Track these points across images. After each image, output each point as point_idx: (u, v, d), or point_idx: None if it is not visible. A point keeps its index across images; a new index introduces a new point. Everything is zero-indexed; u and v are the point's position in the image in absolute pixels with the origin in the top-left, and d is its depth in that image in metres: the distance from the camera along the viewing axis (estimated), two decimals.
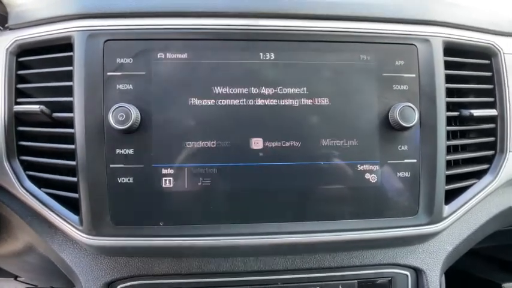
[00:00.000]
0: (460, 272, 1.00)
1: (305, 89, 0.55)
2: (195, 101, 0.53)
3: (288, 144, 0.54)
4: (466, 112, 0.61)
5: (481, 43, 0.63)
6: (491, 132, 0.64)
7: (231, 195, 0.54)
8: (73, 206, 0.56)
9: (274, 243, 0.55)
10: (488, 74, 0.64)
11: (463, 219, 0.64)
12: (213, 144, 0.54)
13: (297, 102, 0.55)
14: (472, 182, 0.62)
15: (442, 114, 0.58)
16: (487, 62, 0.64)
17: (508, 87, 0.63)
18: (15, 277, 1.12)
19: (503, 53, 0.64)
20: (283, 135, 0.54)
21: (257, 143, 0.54)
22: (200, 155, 0.53)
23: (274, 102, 0.54)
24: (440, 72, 0.58)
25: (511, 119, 0.63)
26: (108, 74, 0.53)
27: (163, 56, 0.54)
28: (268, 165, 0.54)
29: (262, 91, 0.54)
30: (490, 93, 0.64)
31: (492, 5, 0.69)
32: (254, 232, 0.55)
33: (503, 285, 1.01)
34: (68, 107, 0.54)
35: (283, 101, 0.55)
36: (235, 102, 0.54)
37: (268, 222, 0.55)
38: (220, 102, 0.54)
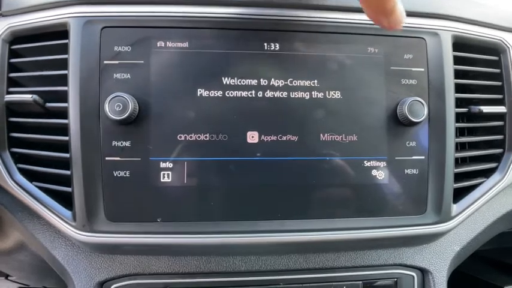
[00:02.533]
0: (461, 274, 0.99)
1: (310, 82, 0.53)
2: (195, 92, 0.51)
3: (292, 138, 0.52)
4: (475, 109, 0.60)
5: (490, 39, 0.62)
6: (499, 130, 0.63)
7: (232, 192, 0.52)
8: (66, 200, 0.53)
9: (276, 241, 0.53)
10: (497, 70, 0.63)
11: (471, 219, 0.63)
12: (215, 137, 0.51)
13: (301, 95, 0.53)
14: (481, 180, 0.61)
15: (451, 109, 0.56)
16: (495, 58, 0.63)
17: None
18: (6, 276, 1.10)
19: None
20: (285, 129, 0.52)
21: (263, 136, 0.52)
22: (201, 148, 0.51)
23: (280, 94, 0.52)
24: (449, 67, 0.56)
25: None
26: (105, 62, 0.50)
27: (163, 45, 0.51)
28: (271, 160, 0.52)
29: (264, 83, 0.52)
30: (498, 90, 0.63)
31: (501, 0, 0.68)
32: (255, 230, 0.52)
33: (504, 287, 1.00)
34: (62, 97, 0.52)
35: (290, 93, 0.52)
36: (240, 93, 0.52)
37: (271, 219, 0.53)
38: (223, 93, 0.51)
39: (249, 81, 0.52)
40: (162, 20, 0.52)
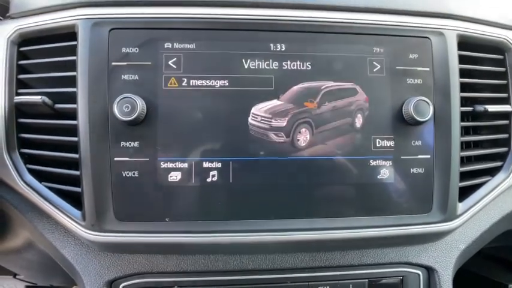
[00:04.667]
0: (466, 272, 0.99)
1: (316, 82, 0.53)
2: (203, 93, 0.52)
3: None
4: (480, 107, 0.60)
5: (495, 37, 0.62)
6: (504, 129, 0.63)
7: (239, 191, 0.52)
8: (75, 200, 0.54)
9: (283, 240, 0.53)
10: (502, 69, 0.63)
11: (476, 217, 0.63)
12: (221, 137, 0.52)
13: None
14: (486, 179, 0.61)
15: (456, 109, 0.56)
16: (500, 57, 0.63)
17: None
18: (14, 275, 1.11)
19: None
20: None
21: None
22: (208, 148, 0.52)
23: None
24: (454, 66, 0.57)
25: None
26: (113, 63, 0.51)
27: (170, 46, 0.52)
28: (278, 159, 0.53)
29: (269, 83, 0.53)
30: (503, 88, 0.63)
31: None
32: (263, 229, 0.53)
33: (510, 285, 1.00)
34: (71, 98, 0.52)
35: None
36: (245, 94, 0.52)
37: (278, 218, 0.53)
38: (229, 93, 0.52)
39: (255, 81, 0.52)
40: (169, 21, 0.52)
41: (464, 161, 0.61)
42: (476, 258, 0.77)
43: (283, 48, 0.53)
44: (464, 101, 0.62)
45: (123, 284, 0.59)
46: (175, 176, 0.51)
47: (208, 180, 0.52)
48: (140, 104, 0.49)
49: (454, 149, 0.56)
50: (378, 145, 0.54)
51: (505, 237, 0.77)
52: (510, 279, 1.03)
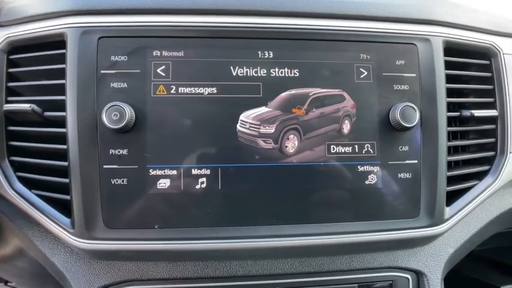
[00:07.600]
0: (458, 274, 0.99)
1: (304, 89, 0.54)
2: (192, 100, 0.52)
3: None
4: (466, 112, 0.61)
5: (481, 43, 0.63)
6: (491, 133, 0.64)
7: (228, 197, 0.53)
8: (65, 208, 0.54)
9: (273, 246, 0.54)
10: (488, 74, 0.64)
11: (464, 221, 0.63)
12: (210, 144, 0.52)
13: None
14: (473, 183, 0.61)
15: (443, 114, 0.57)
16: (486, 62, 0.64)
17: (508, 87, 0.63)
18: (6, 282, 1.10)
19: (503, 54, 0.64)
20: None
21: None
22: (196, 155, 0.52)
23: None
24: (440, 72, 0.57)
25: (511, 120, 0.62)
26: (102, 72, 0.51)
27: (158, 54, 0.52)
28: (266, 166, 0.53)
29: (257, 90, 0.53)
30: (490, 93, 0.64)
31: (492, 5, 0.69)
32: (252, 235, 0.53)
33: (501, 287, 1.01)
34: (60, 106, 0.53)
35: None
36: (233, 101, 0.53)
37: (267, 224, 0.53)
38: (218, 100, 0.52)
39: (243, 88, 0.53)
40: (158, 29, 0.52)
41: (452, 165, 0.62)
42: (468, 260, 0.77)
43: (271, 56, 0.54)
44: (452, 106, 0.62)
45: None
46: (164, 183, 0.51)
47: (197, 187, 0.52)
48: (129, 112, 0.49)
49: (441, 154, 0.56)
50: (365, 151, 0.54)
51: (495, 239, 0.77)
52: (502, 281, 1.04)
